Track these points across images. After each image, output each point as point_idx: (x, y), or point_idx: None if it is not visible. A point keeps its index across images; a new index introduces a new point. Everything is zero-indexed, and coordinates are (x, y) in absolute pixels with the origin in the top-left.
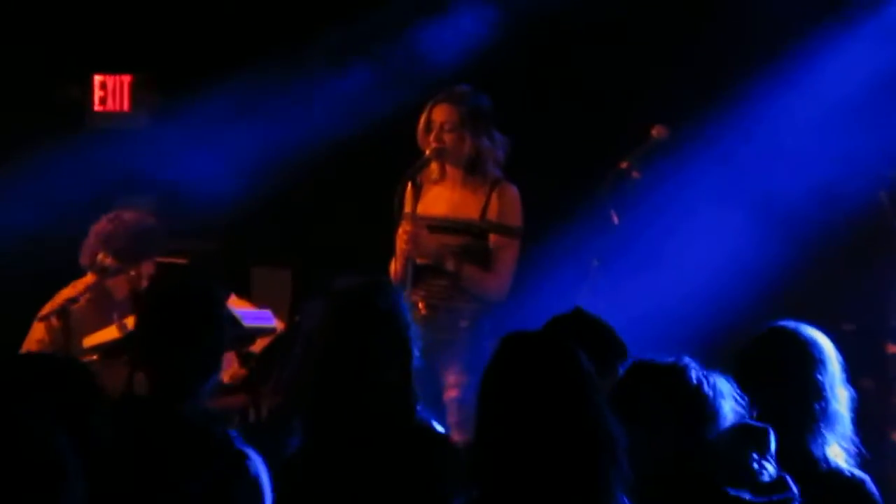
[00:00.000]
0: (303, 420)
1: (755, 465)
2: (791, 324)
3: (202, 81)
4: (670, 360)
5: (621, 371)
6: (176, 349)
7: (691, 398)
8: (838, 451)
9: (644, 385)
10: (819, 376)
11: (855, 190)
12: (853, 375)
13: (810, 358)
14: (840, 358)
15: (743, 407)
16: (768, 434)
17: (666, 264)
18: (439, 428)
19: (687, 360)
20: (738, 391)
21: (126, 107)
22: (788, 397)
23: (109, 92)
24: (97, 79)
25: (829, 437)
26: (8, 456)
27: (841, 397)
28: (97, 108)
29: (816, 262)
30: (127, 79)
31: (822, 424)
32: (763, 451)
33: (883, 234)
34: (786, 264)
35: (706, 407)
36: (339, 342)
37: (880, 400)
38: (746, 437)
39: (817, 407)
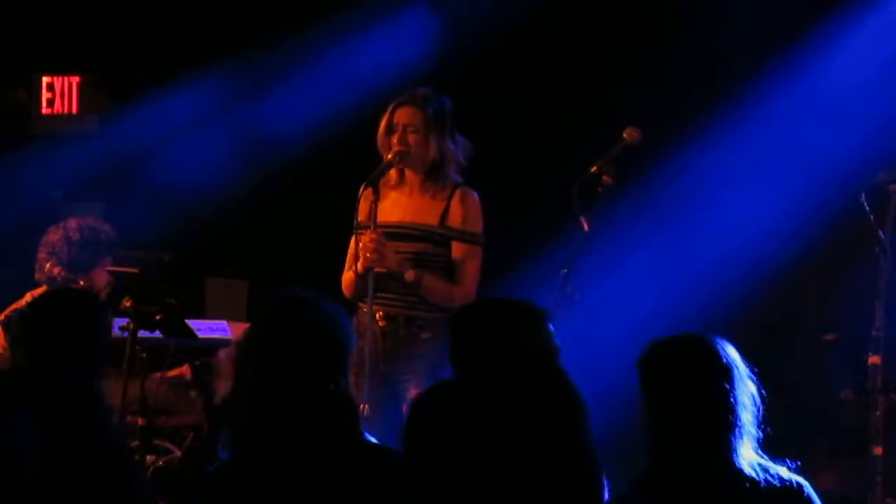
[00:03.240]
0: (230, 433)
1: None
2: (697, 334)
3: (154, 82)
4: None
5: None
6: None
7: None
8: (753, 455)
9: None
10: (727, 384)
11: (835, 194)
12: (834, 387)
13: (715, 365)
14: (746, 366)
15: None
16: None
17: (638, 272)
18: None
19: None
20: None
21: (74, 109)
22: (699, 408)
23: (57, 93)
24: (44, 80)
25: (745, 444)
26: None
27: (749, 403)
28: (44, 110)
29: (795, 270)
30: (75, 80)
31: (737, 433)
32: None
33: (864, 240)
34: (763, 273)
35: None
36: (266, 355)
37: (861, 412)
38: None
39: (730, 416)
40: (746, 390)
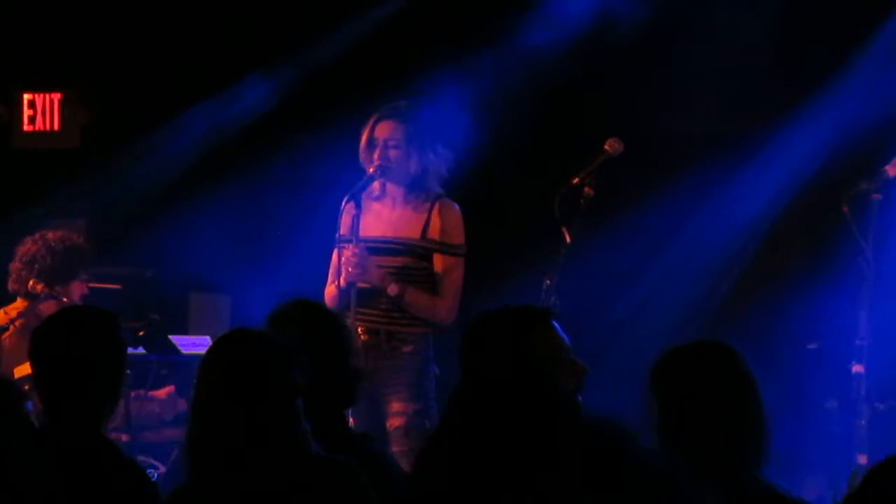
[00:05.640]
0: (185, 455)
1: None
2: (716, 342)
3: (135, 98)
4: None
5: None
6: (65, 381)
7: None
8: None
9: None
10: (746, 395)
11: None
12: (818, 396)
13: (735, 375)
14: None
15: None
16: None
17: (621, 283)
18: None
19: None
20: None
21: (56, 126)
22: (716, 419)
23: (38, 110)
24: (25, 97)
25: (759, 459)
26: None
27: (762, 416)
28: (26, 127)
29: (778, 279)
30: (56, 97)
31: (751, 446)
32: None
33: (847, 249)
34: (747, 282)
35: None
36: (217, 383)
37: (845, 420)
38: None
39: (745, 429)
40: (760, 402)
